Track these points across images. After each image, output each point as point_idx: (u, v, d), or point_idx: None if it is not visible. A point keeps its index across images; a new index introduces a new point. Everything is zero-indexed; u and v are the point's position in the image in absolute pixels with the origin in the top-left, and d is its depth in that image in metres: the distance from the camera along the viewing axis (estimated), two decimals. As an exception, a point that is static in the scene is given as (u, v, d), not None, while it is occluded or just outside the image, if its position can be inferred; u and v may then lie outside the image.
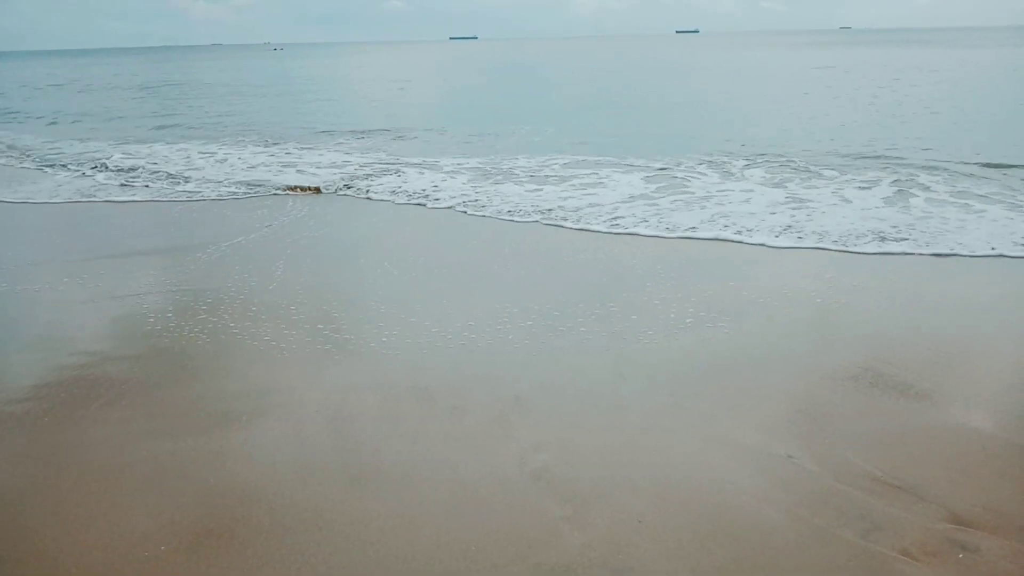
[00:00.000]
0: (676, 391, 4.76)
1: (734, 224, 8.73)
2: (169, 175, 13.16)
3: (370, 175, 12.59)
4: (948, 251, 7.56)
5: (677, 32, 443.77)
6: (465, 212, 9.92)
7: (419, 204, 10.45)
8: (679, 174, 11.80)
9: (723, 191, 10.54)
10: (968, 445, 4.02)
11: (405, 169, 13.14)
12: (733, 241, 8.15)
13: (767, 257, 7.65)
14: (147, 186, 12.31)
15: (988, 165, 11.76)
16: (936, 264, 7.31)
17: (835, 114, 19.89)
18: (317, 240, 8.71)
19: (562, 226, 8.99)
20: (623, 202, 9.99)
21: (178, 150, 16.46)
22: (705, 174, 11.79)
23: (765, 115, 20.45)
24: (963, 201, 9.51)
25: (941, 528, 3.37)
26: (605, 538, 3.36)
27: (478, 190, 11.10)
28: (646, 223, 8.92)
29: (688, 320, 5.84)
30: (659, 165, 12.59)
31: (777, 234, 8.28)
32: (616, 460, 3.98)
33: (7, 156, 16.44)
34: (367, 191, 11.35)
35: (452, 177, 12.18)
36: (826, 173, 11.57)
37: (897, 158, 12.74)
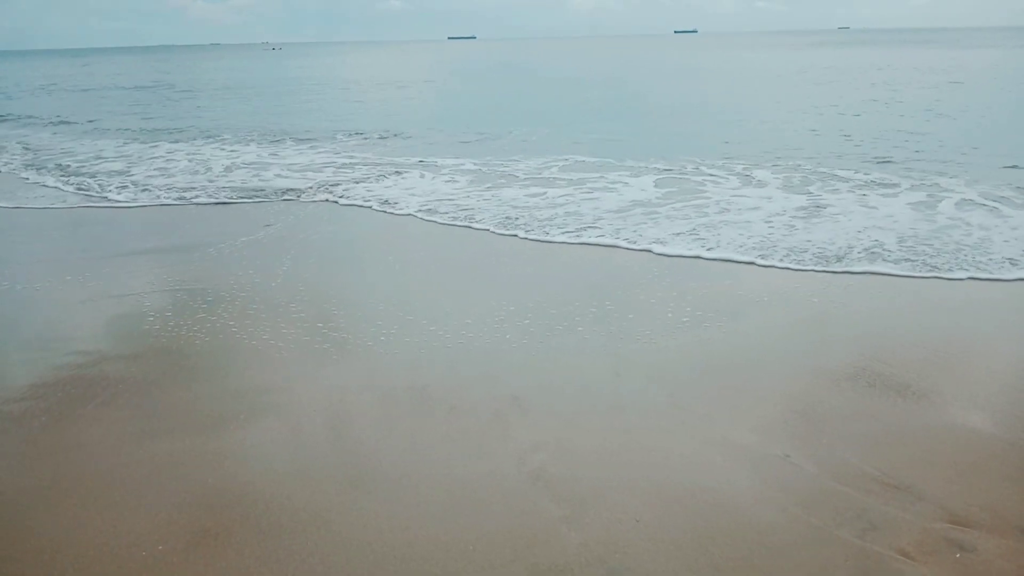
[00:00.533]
0: (674, 391, 4.76)
1: (739, 239, 8.11)
2: (132, 184, 12.52)
3: (367, 177, 12.57)
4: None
5: (675, 32, 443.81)
6: (461, 217, 9.92)
7: (419, 208, 10.45)
8: (694, 178, 11.56)
9: (738, 196, 10.31)
10: (965, 445, 4.03)
11: (405, 170, 13.13)
12: (738, 261, 7.43)
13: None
14: (126, 187, 12.15)
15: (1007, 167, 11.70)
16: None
17: (835, 115, 19.90)
18: (317, 241, 8.72)
19: (560, 231, 8.98)
20: (622, 210, 9.84)
21: (151, 147, 16.48)
22: (718, 175, 11.63)
23: (765, 115, 20.45)
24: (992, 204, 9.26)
25: (938, 528, 3.37)
26: (602, 538, 3.36)
27: (476, 194, 11.04)
28: (638, 232, 8.87)
29: (685, 320, 5.85)
30: (663, 167, 12.50)
31: (783, 256, 7.51)
32: (614, 460, 3.98)
33: (9, 155, 16.43)
34: (365, 194, 11.33)
35: (452, 180, 12.15)
36: (840, 173, 11.47)
37: (905, 160, 12.66)
